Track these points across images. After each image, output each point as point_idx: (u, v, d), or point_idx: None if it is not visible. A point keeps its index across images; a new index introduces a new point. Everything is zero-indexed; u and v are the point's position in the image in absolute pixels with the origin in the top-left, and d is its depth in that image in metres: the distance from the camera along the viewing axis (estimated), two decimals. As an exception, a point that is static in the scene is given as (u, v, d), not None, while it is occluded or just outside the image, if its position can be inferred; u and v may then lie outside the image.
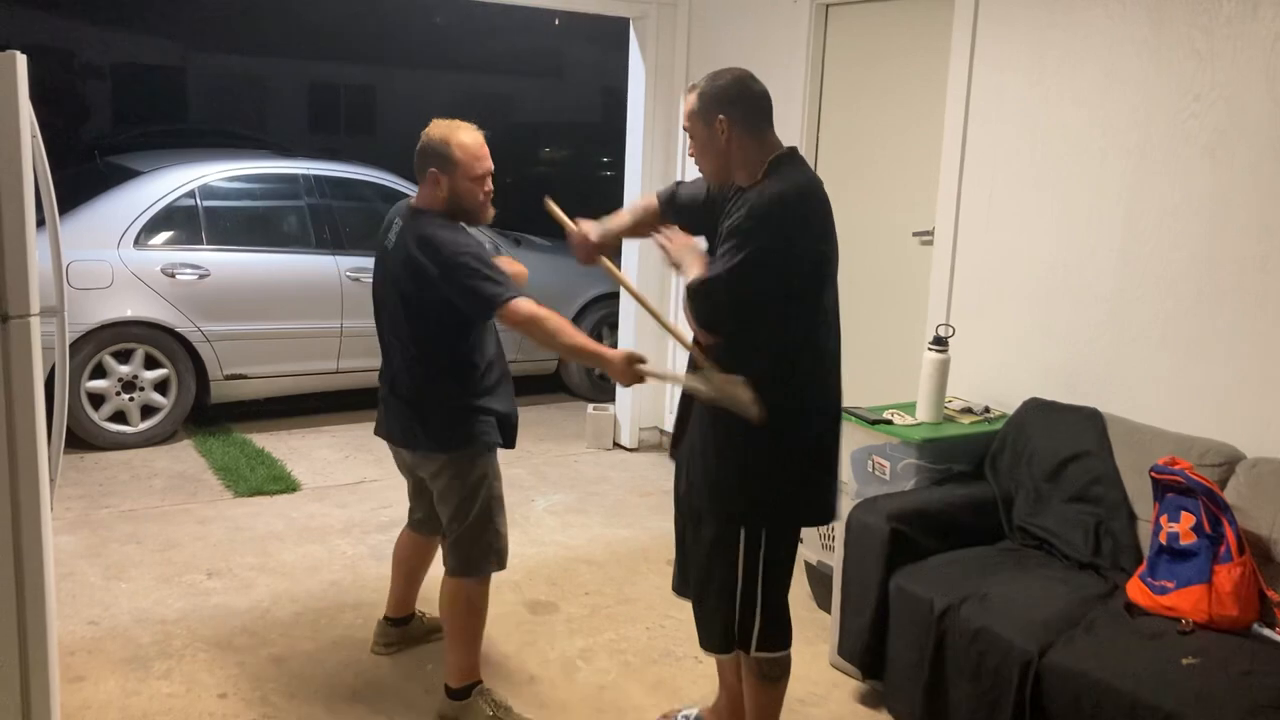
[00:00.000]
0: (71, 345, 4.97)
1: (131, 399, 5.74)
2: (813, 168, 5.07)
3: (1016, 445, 3.74)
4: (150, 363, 5.78)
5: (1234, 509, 3.06)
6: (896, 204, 4.82)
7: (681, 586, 3.01)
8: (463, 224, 3.16)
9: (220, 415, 6.19)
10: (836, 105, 5.10)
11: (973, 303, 4.35)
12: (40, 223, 2.53)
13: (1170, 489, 3.12)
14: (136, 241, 5.75)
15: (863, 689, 3.53)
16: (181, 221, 5.94)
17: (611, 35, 7.24)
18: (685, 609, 3.01)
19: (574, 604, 4.14)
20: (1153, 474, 3.17)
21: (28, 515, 2.46)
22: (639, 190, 5.93)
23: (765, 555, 2.72)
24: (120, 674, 3.48)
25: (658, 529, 4.82)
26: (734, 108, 2.62)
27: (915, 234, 4.69)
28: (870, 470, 3.90)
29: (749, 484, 2.68)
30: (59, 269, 2.79)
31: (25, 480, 2.45)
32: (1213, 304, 3.54)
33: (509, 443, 3.26)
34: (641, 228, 3.03)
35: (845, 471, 4.05)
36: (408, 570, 3.63)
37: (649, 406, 6.08)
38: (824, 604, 3.95)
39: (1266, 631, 2.89)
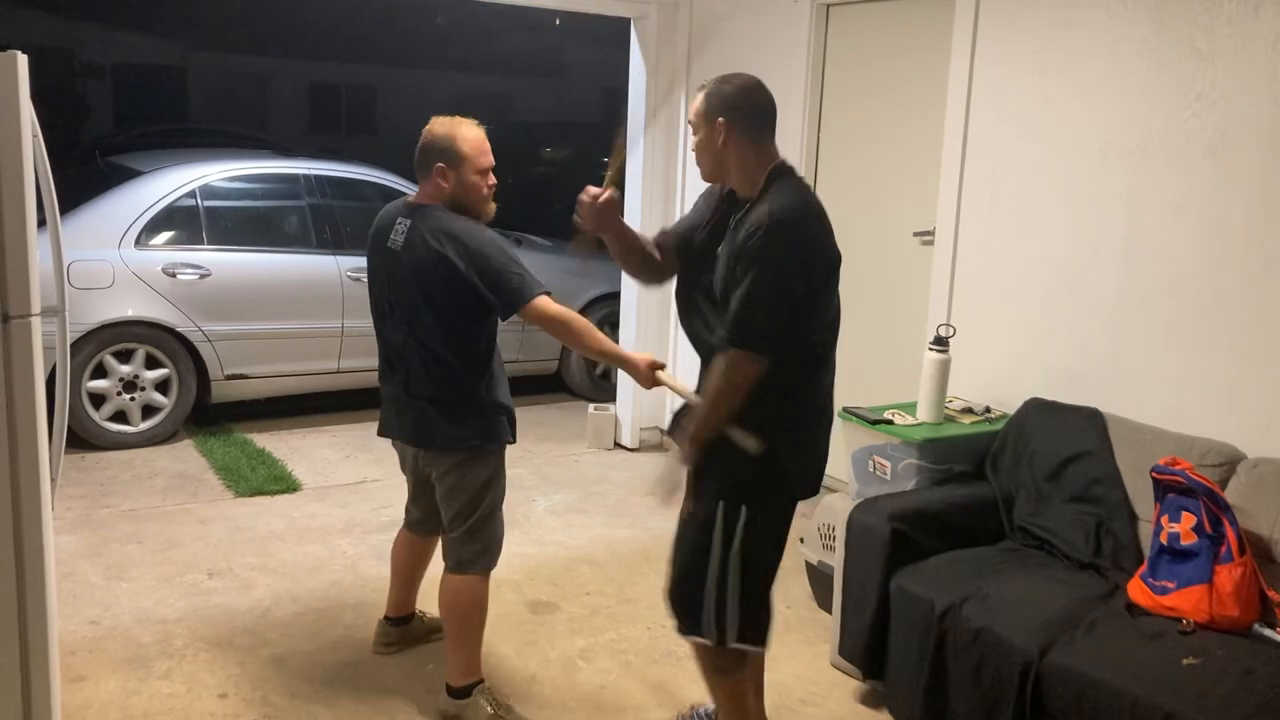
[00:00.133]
0: (72, 345, 4.98)
1: (132, 399, 5.74)
2: (814, 169, 5.14)
3: (1017, 445, 3.74)
4: (151, 362, 5.78)
5: (1235, 509, 3.06)
6: (897, 204, 4.82)
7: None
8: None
9: (221, 415, 6.19)
10: (837, 105, 5.10)
11: (973, 303, 4.35)
12: (41, 223, 2.53)
13: (1171, 489, 3.12)
14: (137, 241, 5.75)
15: (863, 689, 3.53)
16: (182, 221, 5.95)
17: (612, 35, 7.24)
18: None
19: (575, 604, 4.14)
20: (1154, 474, 3.17)
21: (29, 515, 2.46)
22: (639, 190, 5.93)
23: (744, 535, 2.69)
24: (121, 674, 3.49)
25: (659, 529, 4.82)
26: (736, 113, 2.65)
27: (916, 234, 4.69)
28: (871, 470, 3.90)
29: (735, 463, 2.67)
30: (60, 269, 2.79)
31: (26, 480, 2.45)
32: (1214, 304, 3.54)
33: (514, 438, 3.29)
34: (635, 253, 2.95)
35: (846, 471, 4.05)
36: (406, 571, 3.63)
37: (650, 407, 6.08)
38: (824, 604, 3.95)
39: (1267, 632, 2.89)
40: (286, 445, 5.92)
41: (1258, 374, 3.43)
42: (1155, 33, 3.67)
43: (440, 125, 3.15)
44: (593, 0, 5.86)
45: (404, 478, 3.52)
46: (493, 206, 3.21)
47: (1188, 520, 3.04)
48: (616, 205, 2.84)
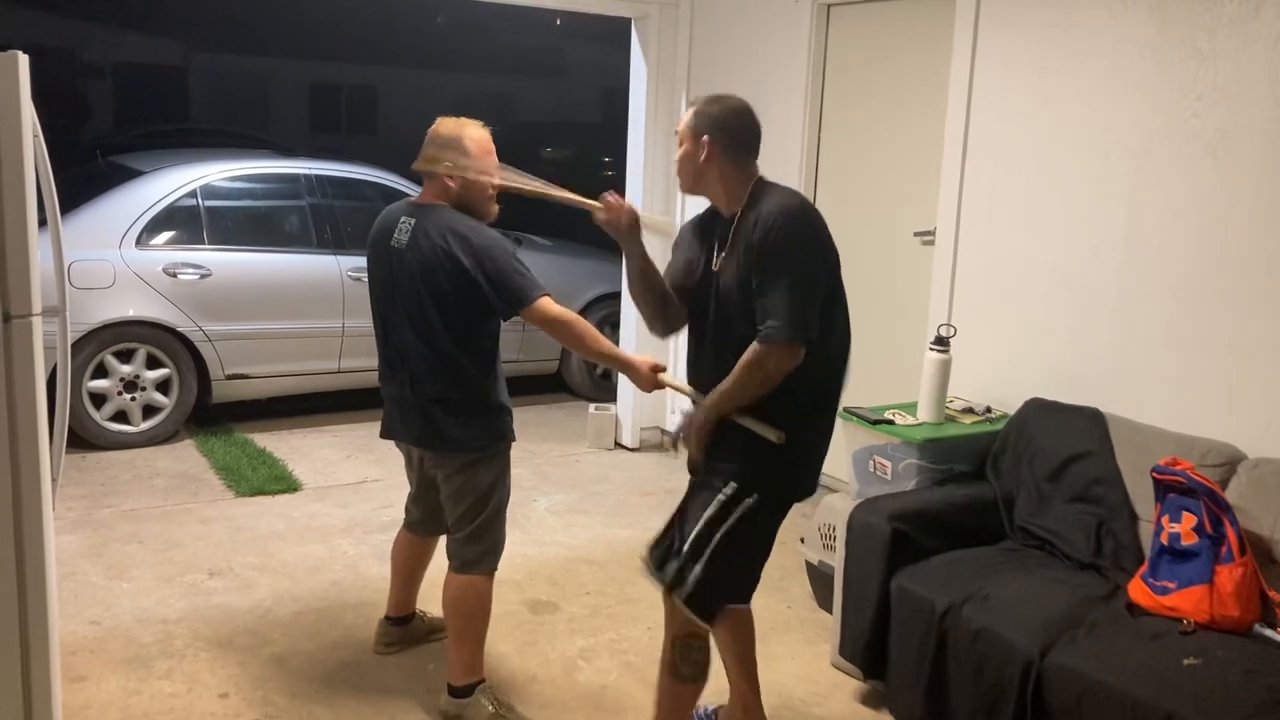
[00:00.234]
0: (73, 345, 4.98)
1: (133, 399, 5.74)
2: (815, 168, 5.14)
3: (1018, 445, 3.74)
4: (152, 362, 5.79)
5: (1235, 509, 3.06)
6: (898, 204, 4.82)
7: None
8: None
9: (222, 415, 6.19)
10: (838, 105, 5.10)
11: (974, 303, 4.35)
12: (42, 222, 2.53)
13: (1172, 489, 3.11)
14: (138, 241, 5.75)
15: (864, 689, 3.53)
16: (183, 221, 5.95)
17: (613, 35, 7.24)
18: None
19: (575, 604, 4.14)
20: (1154, 474, 3.17)
21: (29, 515, 2.46)
22: (640, 190, 5.93)
23: (738, 520, 2.72)
24: (122, 674, 3.49)
25: (659, 528, 4.81)
26: (723, 133, 2.73)
27: (917, 234, 4.69)
28: (872, 470, 3.90)
29: (746, 454, 2.71)
30: (61, 269, 2.79)
31: (27, 480, 2.45)
32: (1214, 304, 3.54)
33: (515, 437, 3.30)
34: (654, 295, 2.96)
35: (847, 471, 4.05)
36: (406, 571, 3.63)
37: (650, 407, 6.08)
38: (825, 604, 3.95)
39: (1268, 632, 2.89)
40: (287, 445, 5.93)
41: (1258, 374, 3.43)
42: (1156, 33, 3.67)
43: (447, 125, 3.17)
44: (593, 0, 5.86)
45: (405, 477, 3.52)
46: (496, 207, 3.22)
47: (1188, 520, 3.03)
48: (637, 216, 2.86)
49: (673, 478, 3.00)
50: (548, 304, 3.06)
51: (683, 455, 2.89)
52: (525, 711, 3.33)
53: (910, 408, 4.00)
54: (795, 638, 3.91)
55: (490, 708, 3.24)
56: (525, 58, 18.92)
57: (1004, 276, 4.24)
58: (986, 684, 2.96)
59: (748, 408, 2.68)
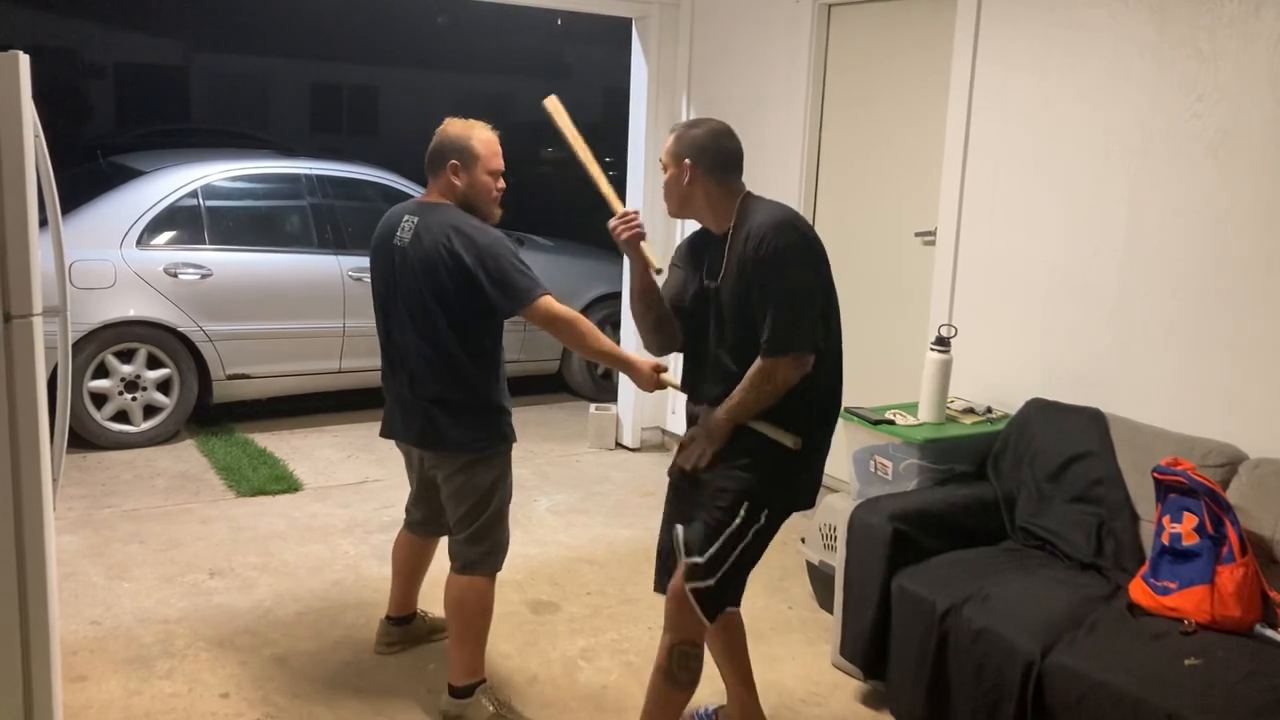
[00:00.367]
0: (74, 345, 4.98)
1: (134, 398, 5.75)
2: (815, 168, 5.14)
3: (1019, 445, 3.74)
4: (153, 362, 5.79)
5: (1236, 509, 3.05)
6: (899, 204, 4.81)
7: (663, 584, 3.00)
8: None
9: (222, 415, 6.20)
10: (839, 105, 5.10)
11: (975, 303, 4.35)
12: (43, 222, 2.53)
13: (1173, 489, 3.11)
14: (139, 241, 5.75)
15: (864, 689, 3.53)
16: (184, 221, 5.95)
17: (614, 35, 7.24)
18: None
19: (576, 604, 4.14)
20: (1155, 474, 3.17)
21: (30, 515, 2.46)
22: (641, 190, 5.93)
23: (754, 538, 2.76)
24: (122, 673, 3.49)
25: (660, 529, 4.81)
26: (703, 156, 2.76)
27: (917, 234, 4.69)
28: (872, 470, 3.90)
29: (757, 469, 2.74)
30: (61, 269, 2.79)
31: (28, 480, 2.45)
32: (1215, 304, 3.54)
33: (515, 438, 3.30)
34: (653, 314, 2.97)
35: (847, 471, 4.05)
36: (407, 571, 3.63)
37: (651, 407, 6.08)
38: (826, 604, 3.95)
39: (1269, 632, 2.89)
40: (288, 445, 5.93)
41: (1259, 374, 3.43)
42: (1157, 33, 3.67)
43: (456, 125, 3.19)
44: (594, 0, 5.86)
45: (406, 477, 3.52)
46: (499, 211, 3.23)
47: (1189, 521, 3.03)
48: (639, 236, 2.85)
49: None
50: (549, 303, 3.07)
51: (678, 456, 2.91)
52: (526, 711, 3.33)
53: (911, 408, 4.00)
54: (796, 638, 3.91)
55: (491, 708, 3.24)
56: (526, 58, 18.92)
57: (1005, 276, 4.23)
58: (987, 684, 2.96)
59: (762, 414, 2.72)
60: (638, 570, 4.42)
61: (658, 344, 2.97)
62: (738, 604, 3.00)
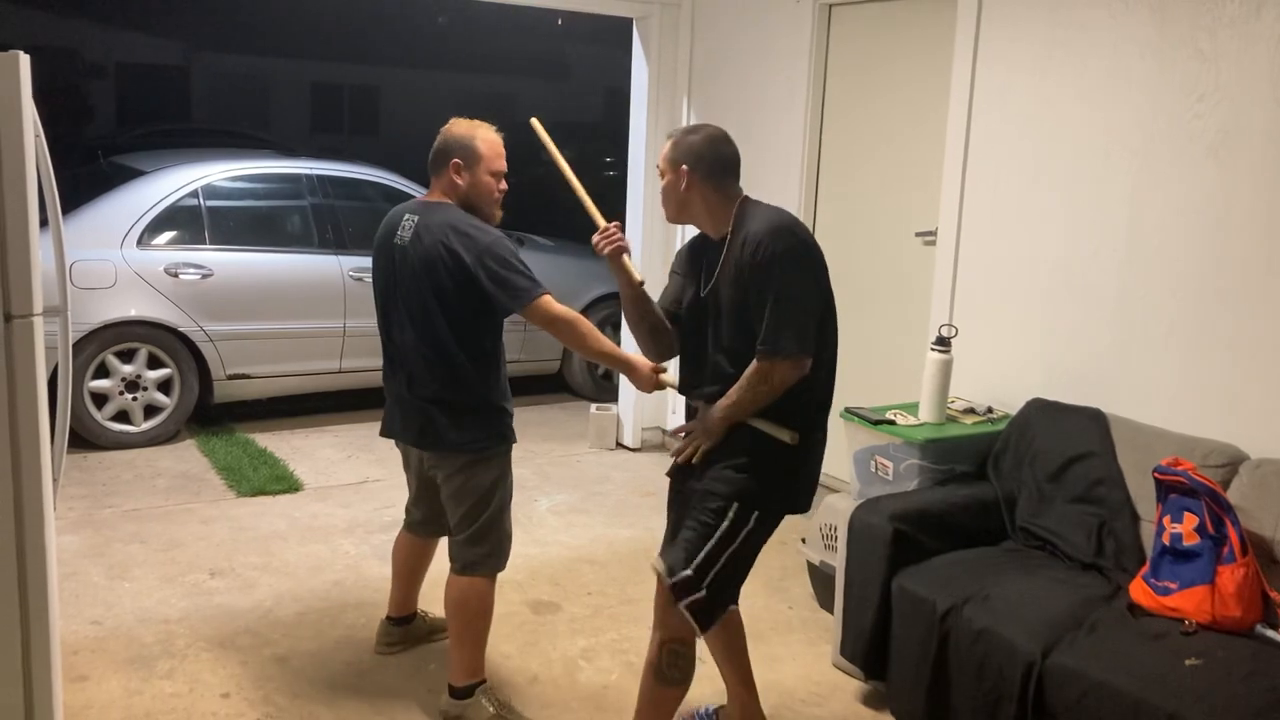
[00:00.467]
0: (75, 345, 4.98)
1: (135, 398, 5.75)
2: (816, 168, 5.14)
3: (1019, 446, 3.74)
4: (153, 362, 5.79)
5: (1237, 510, 3.05)
6: (899, 204, 4.81)
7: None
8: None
9: (223, 415, 6.20)
10: (839, 105, 5.10)
11: (975, 303, 4.35)
12: (43, 222, 2.53)
13: (1173, 489, 3.11)
14: (140, 241, 5.75)
15: (865, 690, 3.52)
16: (185, 221, 5.95)
17: (615, 35, 7.24)
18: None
19: (576, 604, 4.14)
20: (1156, 474, 3.17)
21: (31, 515, 2.47)
22: (641, 190, 5.93)
23: (745, 540, 2.75)
24: (123, 673, 3.49)
25: (660, 529, 4.77)
26: (700, 162, 2.77)
27: (918, 234, 4.69)
28: (873, 470, 3.89)
29: (752, 470, 2.75)
30: (62, 269, 2.79)
31: (28, 480, 2.45)
32: (1216, 304, 3.54)
33: (514, 439, 3.29)
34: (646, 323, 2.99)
35: (848, 472, 4.05)
36: (407, 572, 3.63)
37: (652, 407, 6.08)
38: (826, 604, 3.95)
39: (1270, 632, 2.89)
40: (289, 445, 5.93)
41: (1260, 374, 3.43)
42: (1158, 33, 3.67)
43: (460, 125, 3.20)
44: (595, 0, 5.86)
45: (406, 477, 3.52)
46: (500, 213, 3.23)
47: (1190, 521, 3.03)
48: (620, 250, 2.89)
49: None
50: (549, 303, 3.07)
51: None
52: (527, 712, 3.33)
53: (912, 408, 4.00)
54: (796, 638, 3.91)
55: (491, 709, 3.23)
56: (527, 58, 18.93)
57: (1006, 277, 4.23)
58: (988, 684, 2.96)
59: (759, 412, 2.73)
60: (638, 570, 4.42)
61: (655, 351, 3.00)
62: (735, 602, 3.00)
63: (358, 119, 19.41)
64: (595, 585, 4.32)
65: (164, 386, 5.83)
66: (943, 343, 3.97)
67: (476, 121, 3.22)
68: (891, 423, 3.89)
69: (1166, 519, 3.11)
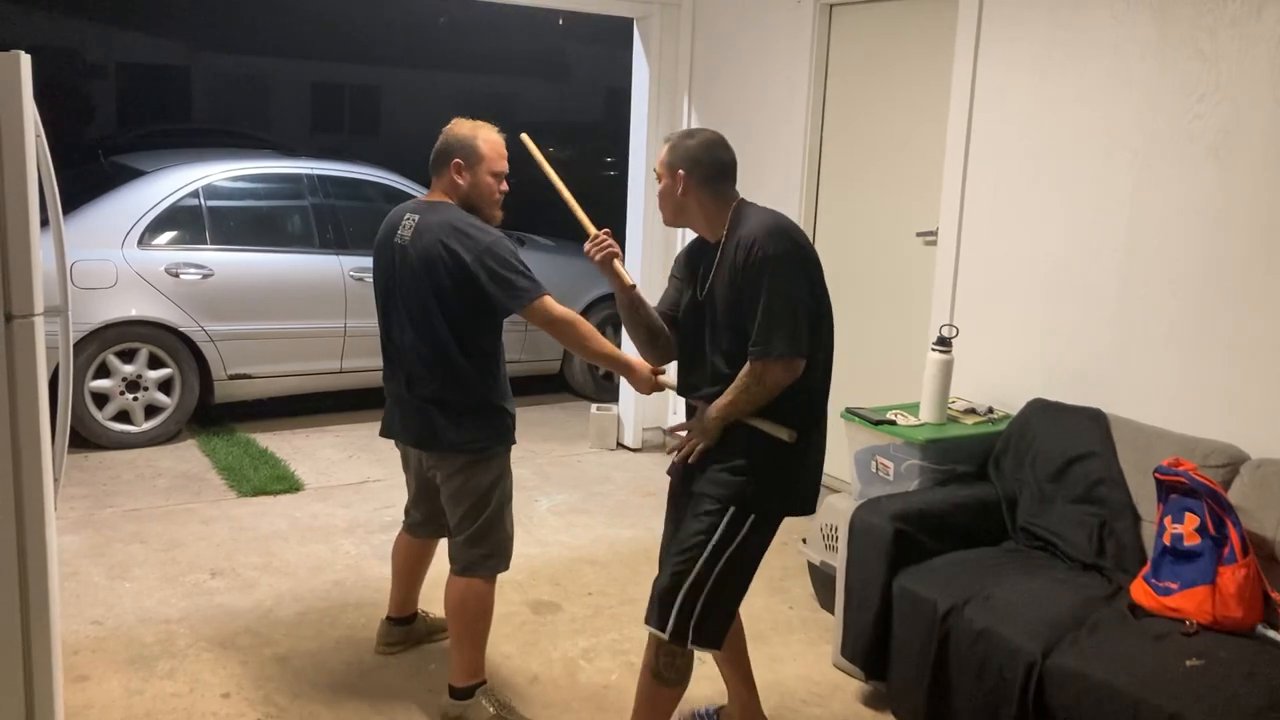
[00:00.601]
0: (75, 345, 4.97)
1: (135, 398, 5.75)
2: (817, 168, 5.14)
3: (1020, 446, 3.74)
4: (154, 362, 5.79)
5: (1238, 510, 3.05)
6: (900, 204, 4.81)
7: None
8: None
9: (224, 415, 6.20)
10: (840, 105, 5.10)
11: (976, 303, 4.35)
12: (44, 222, 2.53)
13: (1174, 490, 3.11)
14: (140, 241, 5.75)
15: (866, 690, 3.52)
16: (185, 221, 5.95)
17: (615, 35, 7.24)
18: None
19: (577, 604, 4.14)
20: (1157, 475, 3.17)
21: (31, 514, 2.47)
22: (642, 190, 5.93)
23: (742, 543, 2.75)
24: (124, 673, 3.49)
25: (661, 529, 4.81)
26: (697, 167, 2.78)
27: (919, 234, 4.69)
28: (874, 471, 3.89)
29: (749, 472, 2.75)
30: (63, 269, 2.79)
31: (29, 479, 2.45)
32: (1217, 304, 3.54)
33: (514, 440, 3.29)
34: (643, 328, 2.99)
35: (849, 472, 4.05)
36: (407, 572, 3.63)
37: (652, 407, 6.08)
38: (827, 605, 3.95)
39: (1270, 633, 2.89)
40: (289, 445, 5.93)
41: (1260, 374, 3.43)
42: (1158, 34, 3.67)
43: (463, 126, 3.20)
44: (596, 0, 5.86)
45: (406, 478, 3.51)
46: (500, 213, 3.23)
47: (1191, 521, 3.03)
48: (611, 256, 2.90)
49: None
50: (549, 304, 3.07)
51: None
52: (527, 712, 3.33)
53: (912, 408, 4.00)
54: (797, 638, 3.91)
55: (491, 709, 3.23)
56: (528, 58, 18.91)
57: (1006, 277, 4.23)
58: (988, 685, 2.95)
59: (755, 411, 2.73)
60: (639, 570, 4.42)
61: (653, 354, 3.01)
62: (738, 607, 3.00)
63: (358, 119, 19.40)
64: (596, 585, 4.32)
65: (165, 386, 5.83)
66: (943, 343, 3.97)
67: (478, 122, 3.22)
68: (892, 423, 3.89)
69: (1167, 519, 3.11)
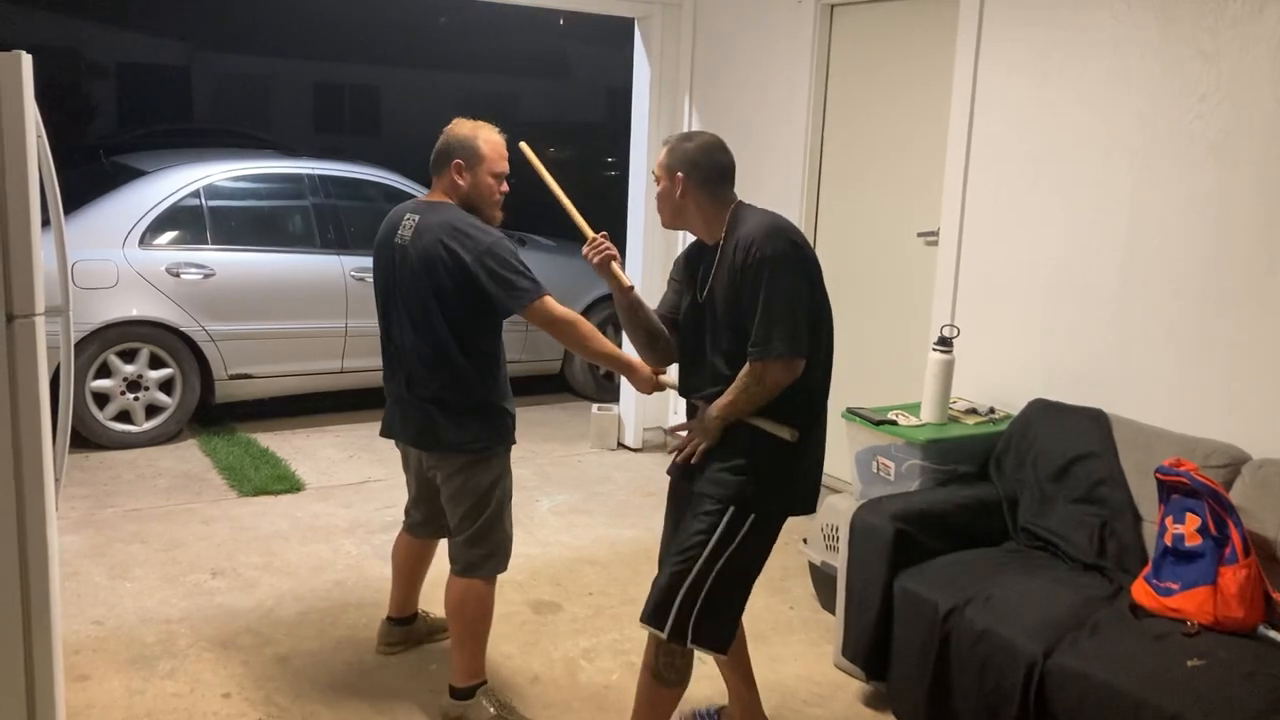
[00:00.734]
0: (76, 345, 4.99)
1: (136, 398, 5.75)
2: (818, 168, 5.14)
3: (1021, 446, 3.74)
4: (155, 362, 5.79)
5: (1239, 510, 3.05)
6: (901, 204, 4.81)
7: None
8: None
9: (225, 415, 6.20)
10: (841, 105, 5.10)
11: (977, 303, 4.34)
12: (45, 222, 2.53)
13: (1175, 490, 3.11)
14: (141, 241, 5.76)
15: (866, 690, 3.52)
16: (186, 221, 5.95)
17: (616, 35, 7.24)
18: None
19: (578, 604, 4.14)
20: (1158, 475, 3.17)
21: (32, 514, 2.46)
22: (642, 189, 5.93)
23: (742, 542, 2.75)
24: (125, 673, 3.49)
25: (661, 529, 4.81)
26: (696, 169, 2.79)
27: (920, 234, 4.69)
28: (875, 471, 3.89)
29: (749, 472, 2.75)
30: (64, 268, 2.78)
31: (30, 479, 2.45)
32: (1218, 304, 3.54)
33: (514, 440, 3.29)
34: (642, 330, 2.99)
35: (850, 472, 4.05)
36: (408, 572, 3.63)
37: (653, 407, 6.08)
38: (828, 605, 3.95)
39: (1272, 633, 2.88)
40: (290, 445, 5.93)
41: (1261, 374, 3.43)
42: (1160, 34, 3.67)
43: (463, 126, 3.20)
44: (596, 0, 5.86)
45: (406, 478, 3.51)
46: (500, 214, 3.23)
47: (1192, 522, 3.03)
48: (609, 258, 2.90)
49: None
50: (549, 304, 3.07)
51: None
52: (528, 712, 3.33)
53: (913, 408, 4.00)
54: (798, 638, 3.91)
55: (492, 710, 3.24)
56: (528, 58, 18.92)
57: (1007, 277, 4.23)
58: (989, 685, 2.95)
59: (756, 411, 2.73)
60: (639, 570, 4.42)
61: (653, 357, 3.01)
62: (742, 610, 3.00)
63: (359, 119, 19.42)
64: (596, 585, 4.32)
65: (166, 386, 5.83)
66: (944, 343, 3.97)
67: (479, 122, 3.22)
68: (893, 423, 3.89)
69: (1168, 519, 3.10)
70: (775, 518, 2.82)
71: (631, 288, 2.90)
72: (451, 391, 3.12)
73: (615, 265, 2.89)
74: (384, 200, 6.35)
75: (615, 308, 2.97)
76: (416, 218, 3.13)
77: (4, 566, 2.45)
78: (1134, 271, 3.78)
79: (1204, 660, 2.74)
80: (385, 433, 3.38)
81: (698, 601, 2.76)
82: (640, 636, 3.86)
